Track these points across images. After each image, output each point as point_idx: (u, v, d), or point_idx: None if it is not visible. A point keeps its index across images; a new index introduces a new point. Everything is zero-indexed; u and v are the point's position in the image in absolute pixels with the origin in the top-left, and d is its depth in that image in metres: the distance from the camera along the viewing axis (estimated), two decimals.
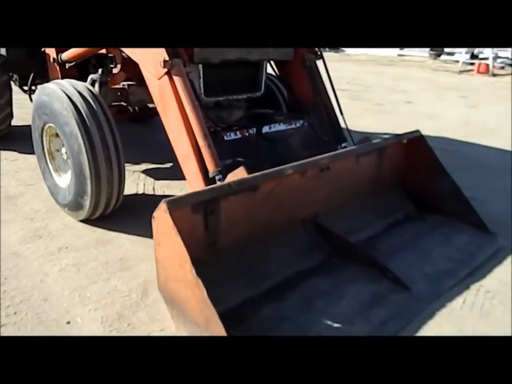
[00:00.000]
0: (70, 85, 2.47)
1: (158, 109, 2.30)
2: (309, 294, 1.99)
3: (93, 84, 2.74)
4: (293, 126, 2.69)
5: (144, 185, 3.35)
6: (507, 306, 2.01)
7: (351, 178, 2.53)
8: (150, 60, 2.23)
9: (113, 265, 2.25)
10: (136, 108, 3.22)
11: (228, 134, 2.42)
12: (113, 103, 3.05)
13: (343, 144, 2.77)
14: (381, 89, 8.72)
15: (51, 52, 3.23)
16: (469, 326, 1.86)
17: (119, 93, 2.92)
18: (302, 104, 2.85)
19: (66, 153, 2.57)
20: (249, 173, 1.95)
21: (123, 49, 2.61)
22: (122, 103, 3.00)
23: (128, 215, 2.78)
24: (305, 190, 2.28)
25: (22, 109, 4.98)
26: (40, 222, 2.70)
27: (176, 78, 2.14)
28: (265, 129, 2.56)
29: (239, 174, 1.95)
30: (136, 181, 3.42)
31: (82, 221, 2.67)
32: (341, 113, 2.86)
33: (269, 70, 3.06)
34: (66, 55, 3.08)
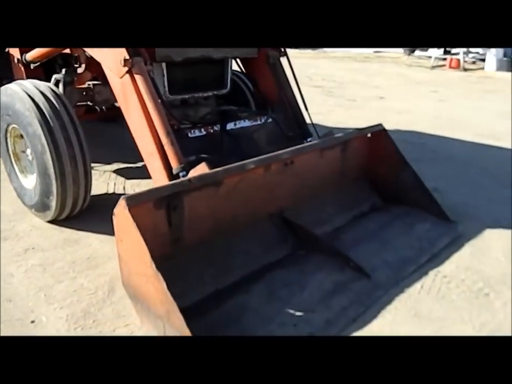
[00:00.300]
0: (32, 85, 2.46)
1: (121, 108, 2.32)
2: (273, 285, 2.04)
3: (56, 84, 2.74)
4: (258, 122, 2.74)
5: (114, 184, 3.35)
6: (462, 290, 2.11)
7: (316, 172, 2.59)
8: (111, 59, 2.25)
9: (80, 264, 2.26)
10: (103, 108, 3.22)
11: (192, 131, 2.45)
12: (80, 103, 3.04)
13: (309, 139, 2.82)
14: (355, 85, 8.85)
15: (15, 52, 3.19)
16: (425, 309, 1.95)
17: (84, 93, 2.91)
18: (267, 100, 2.90)
19: (31, 154, 2.56)
20: (211, 168, 1.98)
21: (85, 49, 2.61)
22: (89, 102, 3.00)
23: (98, 215, 2.78)
24: (270, 185, 2.32)
25: None
26: (6, 224, 2.67)
27: (137, 76, 2.16)
28: (230, 125, 2.60)
29: (201, 169, 1.99)
30: (107, 181, 3.41)
31: (51, 221, 2.66)
32: (306, 109, 2.92)
33: (236, 67, 3.10)
34: (30, 55, 3.05)
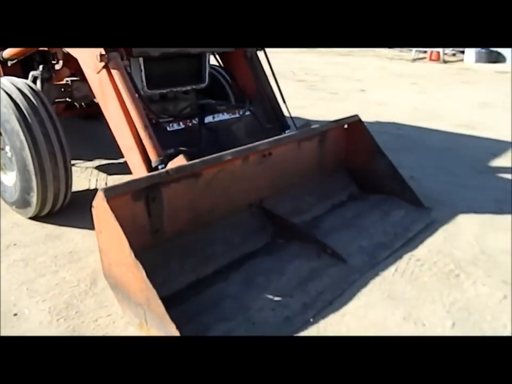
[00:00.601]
0: (8, 82, 2.46)
1: (99, 103, 2.34)
2: (252, 273, 2.10)
3: (34, 80, 2.74)
4: (236, 115, 2.79)
5: (96, 180, 3.36)
6: (434, 272, 2.19)
7: (294, 163, 2.65)
8: (87, 55, 2.27)
9: (62, 258, 2.28)
10: (83, 104, 3.23)
11: (171, 124, 2.49)
12: (59, 99, 3.04)
13: (287, 131, 2.88)
14: (338, 79, 8.94)
15: None
16: (398, 290, 2.03)
17: (62, 89, 2.92)
18: (245, 93, 2.95)
19: (10, 151, 2.56)
20: (189, 160, 2.03)
21: None
22: (67, 99, 3.00)
23: (80, 210, 2.79)
24: (249, 176, 2.37)
25: None
26: None
27: (114, 72, 2.18)
28: (209, 119, 2.64)
29: (179, 161, 2.03)
30: (89, 177, 3.42)
31: (32, 218, 2.67)
32: (284, 102, 2.98)
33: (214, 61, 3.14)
34: (7, 53, 3.05)
